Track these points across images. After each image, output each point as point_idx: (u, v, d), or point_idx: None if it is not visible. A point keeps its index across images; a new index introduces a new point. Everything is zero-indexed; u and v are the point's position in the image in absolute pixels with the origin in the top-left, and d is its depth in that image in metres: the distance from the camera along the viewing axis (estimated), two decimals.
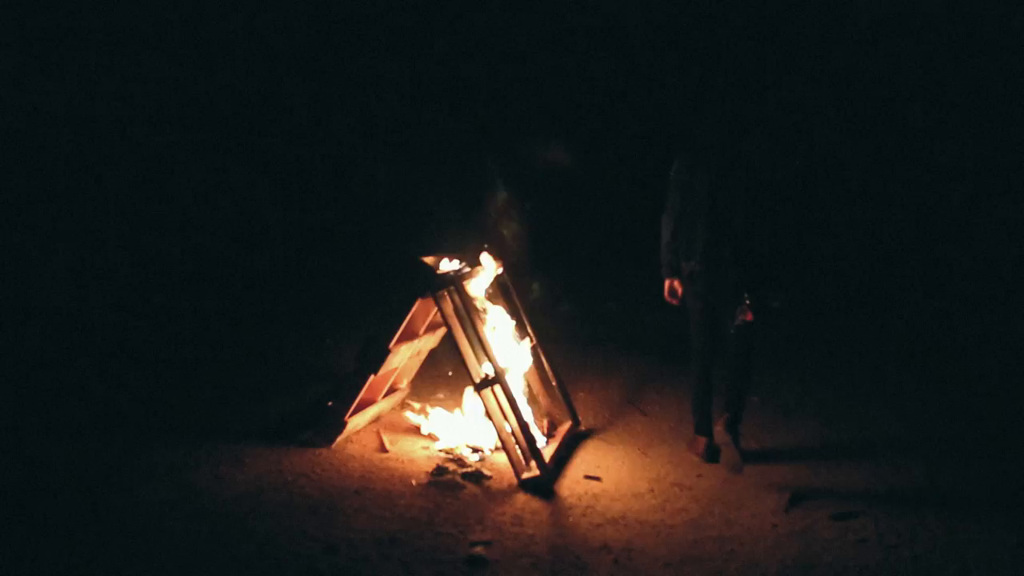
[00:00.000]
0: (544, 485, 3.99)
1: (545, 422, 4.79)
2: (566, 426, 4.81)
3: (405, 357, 4.71)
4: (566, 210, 9.36)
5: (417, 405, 5.00)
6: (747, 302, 4.23)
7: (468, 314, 4.20)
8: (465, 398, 4.79)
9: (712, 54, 9.30)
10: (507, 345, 4.69)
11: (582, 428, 4.95)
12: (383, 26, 9.79)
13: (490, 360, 4.13)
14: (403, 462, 4.27)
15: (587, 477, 4.22)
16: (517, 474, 4.04)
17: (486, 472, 4.15)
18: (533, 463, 4.05)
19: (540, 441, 4.38)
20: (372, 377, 4.33)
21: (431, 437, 4.63)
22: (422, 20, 9.76)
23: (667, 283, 4.55)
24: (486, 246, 4.84)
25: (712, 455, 4.46)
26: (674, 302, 4.57)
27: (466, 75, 9.80)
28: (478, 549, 3.33)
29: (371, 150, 9.77)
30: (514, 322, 4.87)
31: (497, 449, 4.36)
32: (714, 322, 4.41)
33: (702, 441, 4.52)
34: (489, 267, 4.79)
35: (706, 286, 4.36)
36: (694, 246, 4.35)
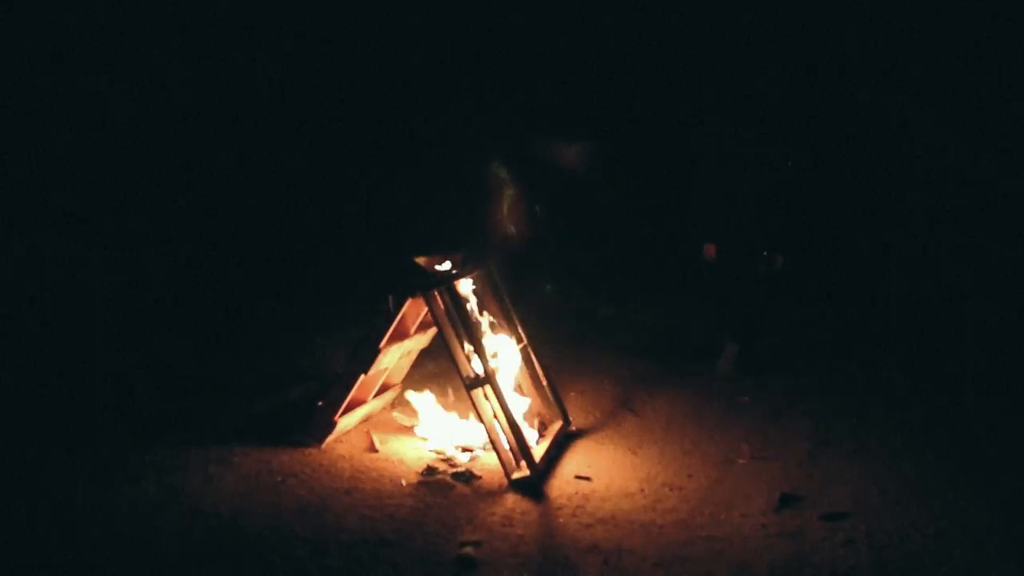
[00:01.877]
0: (534, 485, 3.99)
1: (535, 422, 4.78)
2: (556, 426, 4.80)
3: (395, 357, 4.70)
4: (566, 213, 9.36)
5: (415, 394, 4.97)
6: (760, 262, 5.81)
7: (458, 314, 4.19)
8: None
9: (726, 57, 9.30)
10: (497, 345, 4.69)
11: (572, 428, 4.95)
12: (386, 27, 9.74)
13: (480, 360, 4.12)
14: (393, 462, 4.25)
15: (577, 477, 4.22)
16: (507, 474, 4.03)
17: (476, 472, 4.14)
18: (523, 463, 4.05)
19: (530, 441, 4.37)
20: (362, 377, 4.32)
21: (420, 437, 4.62)
22: (426, 20, 9.70)
23: (705, 248, 5.91)
24: (479, 247, 4.84)
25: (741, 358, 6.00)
26: (708, 260, 5.92)
27: (473, 74, 9.75)
28: (468, 550, 3.33)
29: (371, 152, 9.72)
30: (505, 322, 4.86)
31: (487, 449, 4.35)
32: (736, 278, 5.88)
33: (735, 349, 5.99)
34: (481, 268, 4.78)
35: (728, 254, 5.82)
36: (720, 221, 5.78)
